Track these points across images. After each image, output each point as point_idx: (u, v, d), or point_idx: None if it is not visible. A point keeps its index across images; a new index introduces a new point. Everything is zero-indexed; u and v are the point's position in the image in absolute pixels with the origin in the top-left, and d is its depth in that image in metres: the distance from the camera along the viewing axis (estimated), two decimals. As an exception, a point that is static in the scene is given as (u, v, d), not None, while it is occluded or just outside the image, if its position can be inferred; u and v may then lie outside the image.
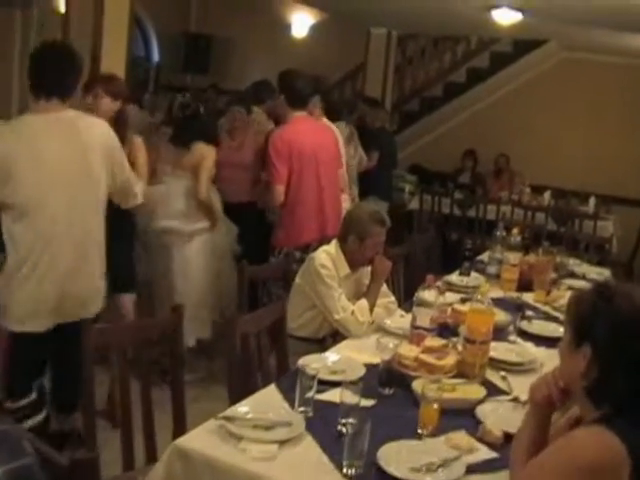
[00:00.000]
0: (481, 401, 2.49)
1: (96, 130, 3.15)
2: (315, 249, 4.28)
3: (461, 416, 2.39)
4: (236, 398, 2.58)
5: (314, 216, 4.42)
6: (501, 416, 2.38)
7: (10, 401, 3.16)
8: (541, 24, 7.20)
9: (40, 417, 3.24)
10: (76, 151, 3.07)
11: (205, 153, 4.59)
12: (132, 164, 3.68)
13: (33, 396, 3.21)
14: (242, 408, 2.33)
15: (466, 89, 9.60)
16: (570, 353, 1.76)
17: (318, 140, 4.48)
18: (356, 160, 6.58)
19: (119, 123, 3.74)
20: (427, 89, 9.98)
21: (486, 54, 9.59)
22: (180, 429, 2.60)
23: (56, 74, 3.05)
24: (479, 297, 2.79)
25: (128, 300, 4.05)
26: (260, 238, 4.79)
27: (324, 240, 4.26)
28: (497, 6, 6.48)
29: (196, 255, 4.62)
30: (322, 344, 3.46)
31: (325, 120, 5.05)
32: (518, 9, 6.51)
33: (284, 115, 4.56)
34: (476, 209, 7.42)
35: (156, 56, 10.73)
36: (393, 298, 3.65)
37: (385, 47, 9.26)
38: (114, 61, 4.47)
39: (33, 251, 3.02)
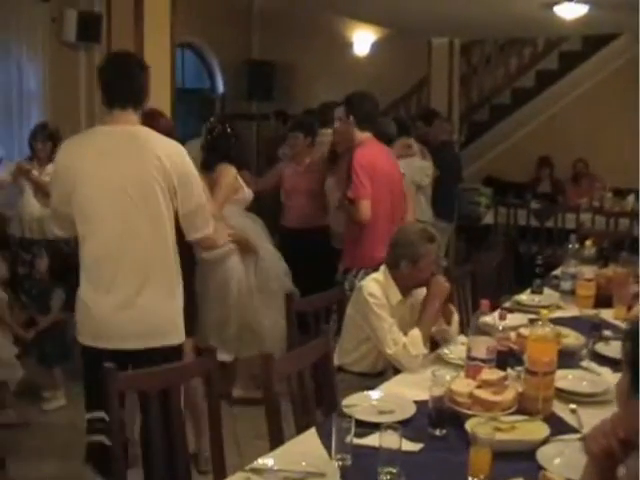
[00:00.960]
0: (543, 441, 2.20)
1: (167, 151, 2.99)
2: None
3: (520, 460, 2.11)
4: (276, 444, 2.39)
5: (388, 237, 4.22)
6: (566, 460, 2.08)
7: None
8: (610, 16, 6.80)
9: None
10: (137, 168, 2.94)
11: (223, 172, 4.44)
12: None
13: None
14: (271, 459, 2.12)
15: (536, 93, 9.25)
16: (629, 398, 1.48)
17: (387, 163, 4.43)
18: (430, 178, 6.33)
19: None
20: (495, 96, 9.65)
21: (554, 55, 9.22)
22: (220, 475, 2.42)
23: (128, 83, 3.00)
24: (540, 322, 2.50)
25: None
26: (326, 264, 4.68)
27: None
28: (559, 1, 6.15)
29: (228, 279, 4.49)
30: (382, 377, 3.22)
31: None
32: (583, 1, 6.16)
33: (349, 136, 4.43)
34: (554, 219, 7.04)
35: (221, 87, 10.74)
36: (457, 317, 3.39)
37: (448, 57, 9.03)
38: (158, 94, 4.35)
39: (91, 268, 2.98)
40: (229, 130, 4.56)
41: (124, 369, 2.88)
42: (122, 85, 3.00)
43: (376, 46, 10.09)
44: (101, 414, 2.97)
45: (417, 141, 6.38)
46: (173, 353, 3.00)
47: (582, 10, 6.35)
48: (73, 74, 7.42)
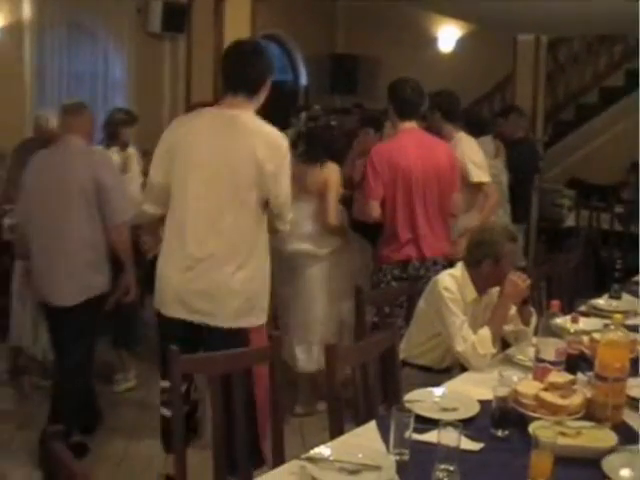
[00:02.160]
0: (610, 450, 2.12)
1: (264, 138, 3.05)
2: (417, 269, 4.08)
3: (584, 467, 2.04)
4: (337, 435, 2.39)
5: (410, 235, 4.10)
6: (635, 471, 2.00)
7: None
8: None
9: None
10: (226, 149, 3.03)
11: (330, 174, 4.40)
12: None
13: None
14: (328, 449, 2.11)
15: (625, 93, 8.93)
16: None
17: (423, 156, 4.11)
18: (506, 176, 6.16)
19: None
20: (582, 95, 9.38)
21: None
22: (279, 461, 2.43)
23: (241, 69, 3.06)
24: (612, 326, 2.41)
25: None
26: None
27: (426, 261, 4.07)
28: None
29: (328, 277, 4.45)
30: (447, 374, 3.18)
31: (461, 136, 4.66)
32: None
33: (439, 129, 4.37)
34: (638, 224, 6.79)
35: (304, 79, 10.79)
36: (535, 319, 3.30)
37: (534, 54, 8.81)
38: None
39: (168, 235, 3.12)
40: (333, 123, 4.52)
41: (197, 341, 2.95)
42: (234, 72, 3.08)
43: (461, 42, 9.99)
44: (166, 383, 3.08)
45: (495, 138, 6.21)
46: (229, 335, 3.06)
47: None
48: (157, 64, 7.59)
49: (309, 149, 4.54)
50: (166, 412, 3.24)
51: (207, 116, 3.15)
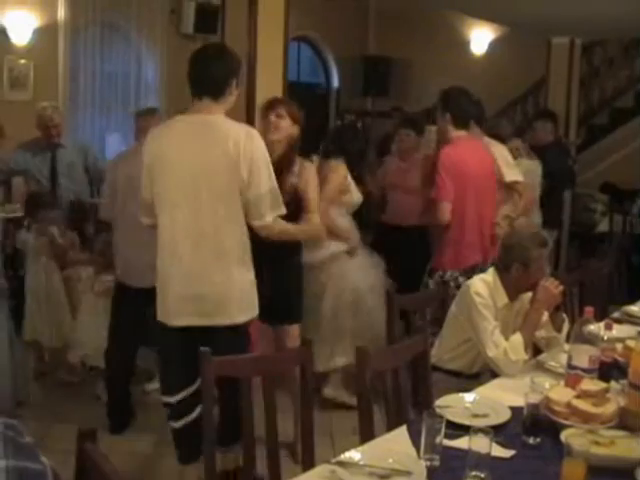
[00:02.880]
0: (644, 460, 2.09)
1: (238, 136, 3.03)
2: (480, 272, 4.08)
3: (617, 477, 2.01)
4: (367, 439, 2.38)
5: (477, 239, 4.26)
6: (668, 480, 1.97)
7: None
8: None
9: (176, 425, 3.24)
10: (204, 153, 3.02)
11: (334, 168, 4.36)
12: (303, 191, 3.64)
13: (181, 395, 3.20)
14: (359, 453, 2.11)
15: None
16: None
17: (479, 163, 4.29)
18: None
19: (291, 147, 3.71)
20: (617, 99, 9.27)
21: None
22: (308, 465, 2.42)
23: (205, 73, 3.06)
24: (647, 333, 2.38)
25: (293, 331, 3.90)
26: (421, 263, 4.53)
27: (487, 266, 4.04)
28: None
29: (329, 281, 4.44)
30: (477, 379, 3.16)
31: (487, 140, 4.72)
32: None
33: (445, 134, 4.37)
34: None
35: (336, 81, 10.78)
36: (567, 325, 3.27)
37: (568, 57, 8.71)
38: (270, 86, 4.41)
39: (161, 248, 3.11)
40: (359, 124, 4.54)
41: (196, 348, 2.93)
42: (196, 77, 3.08)
43: (494, 44, 9.90)
44: (166, 398, 3.17)
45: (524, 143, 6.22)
46: (233, 331, 3.08)
47: None
48: (190, 65, 7.61)
49: (327, 146, 4.55)
50: (174, 424, 3.25)
51: (178, 125, 3.13)
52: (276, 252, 3.45)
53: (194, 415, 3.16)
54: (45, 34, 6.73)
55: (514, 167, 4.75)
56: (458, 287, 3.94)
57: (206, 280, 3.05)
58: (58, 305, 4.72)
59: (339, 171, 4.39)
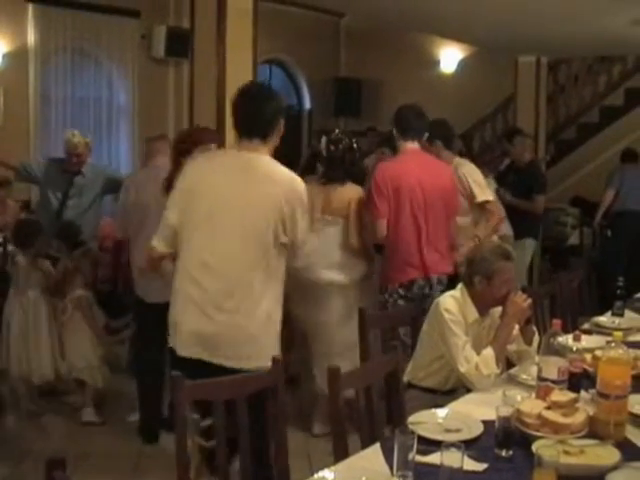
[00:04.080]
0: (613, 467, 2.12)
1: (283, 179, 3.05)
2: (421, 288, 4.13)
3: (587, 486, 2.04)
4: (341, 458, 2.39)
5: (415, 254, 4.19)
6: (636, 487, 2.01)
7: None
8: None
9: None
10: (240, 192, 3.00)
11: (352, 193, 4.38)
12: None
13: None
14: (332, 472, 2.11)
15: (625, 112, 9.04)
16: None
17: (427, 176, 4.22)
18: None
19: None
20: (583, 115, 9.45)
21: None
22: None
23: (253, 115, 3.04)
24: (613, 344, 2.42)
25: None
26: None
27: (430, 280, 4.15)
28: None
29: (356, 304, 4.43)
30: (452, 395, 3.18)
31: (458, 160, 4.81)
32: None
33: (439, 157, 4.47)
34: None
35: (308, 103, 10.85)
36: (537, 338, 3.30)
37: (535, 75, 8.88)
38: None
39: (180, 279, 3.04)
40: (355, 145, 4.56)
41: None
42: (246, 117, 3.06)
43: (463, 64, 10.06)
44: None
45: (503, 157, 6.38)
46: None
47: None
48: (162, 89, 7.67)
49: (329, 170, 4.46)
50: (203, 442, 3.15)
51: (224, 157, 3.19)
52: None
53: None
54: (15, 59, 6.73)
55: (485, 187, 4.79)
56: (401, 298, 4.12)
57: (231, 323, 2.98)
58: (39, 341, 4.65)
59: (360, 192, 4.39)
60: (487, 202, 4.69)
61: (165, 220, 3.10)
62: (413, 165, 4.22)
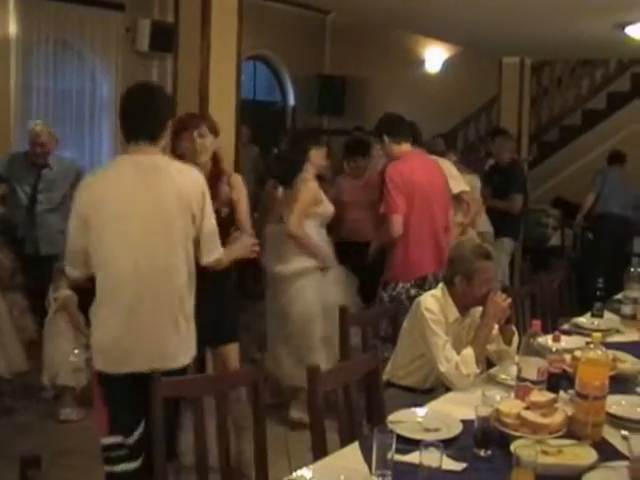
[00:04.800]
0: (590, 467, 2.13)
1: (181, 178, 2.98)
2: (430, 284, 4.16)
3: (564, 485, 2.05)
4: (320, 456, 2.38)
5: (430, 250, 4.35)
6: (613, 487, 2.02)
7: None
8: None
9: (133, 465, 3.02)
10: (151, 196, 2.92)
11: (305, 181, 4.48)
12: (236, 202, 3.67)
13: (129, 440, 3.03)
14: (310, 471, 2.11)
15: (607, 115, 9.09)
16: None
17: (428, 176, 4.42)
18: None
19: (218, 159, 3.73)
20: (565, 117, 9.51)
21: (627, 76, 9.05)
22: None
23: (140, 116, 2.96)
24: (592, 345, 2.43)
25: (233, 350, 3.89)
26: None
27: (438, 276, 4.14)
28: (632, 22, 6.01)
29: (299, 301, 4.50)
30: (431, 394, 3.18)
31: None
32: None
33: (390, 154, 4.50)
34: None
35: (292, 100, 10.83)
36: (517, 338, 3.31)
37: (519, 76, 8.91)
38: (223, 103, 4.41)
39: (102, 298, 2.95)
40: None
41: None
42: (134, 120, 2.97)
43: (447, 64, 10.07)
44: (119, 439, 2.96)
45: (488, 157, 6.42)
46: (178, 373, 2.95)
47: (655, 31, 6.19)
48: (145, 83, 7.59)
49: (286, 172, 4.61)
50: (130, 466, 3.00)
51: (128, 166, 2.98)
52: (212, 277, 3.30)
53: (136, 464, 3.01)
54: (-4, 50, 6.65)
55: (459, 178, 4.97)
56: (410, 299, 4.04)
57: (153, 325, 2.92)
58: (5, 332, 4.61)
59: (310, 183, 4.48)
60: (463, 192, 4.88)
61: (70, 248, 3.00)
62: (417, 165, 4.39)
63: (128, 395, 2.99)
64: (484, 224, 6.02)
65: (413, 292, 4.18)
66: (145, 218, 2.91)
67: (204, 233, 3.02)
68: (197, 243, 3.02)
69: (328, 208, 4.60)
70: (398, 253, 4.32)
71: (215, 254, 3.09)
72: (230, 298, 3.82)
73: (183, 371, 2.99)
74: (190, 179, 3.00)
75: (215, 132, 3.72)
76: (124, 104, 3.01)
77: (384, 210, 4.31)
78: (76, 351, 4.56)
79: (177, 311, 2.95)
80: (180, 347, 2.99)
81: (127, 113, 3.00)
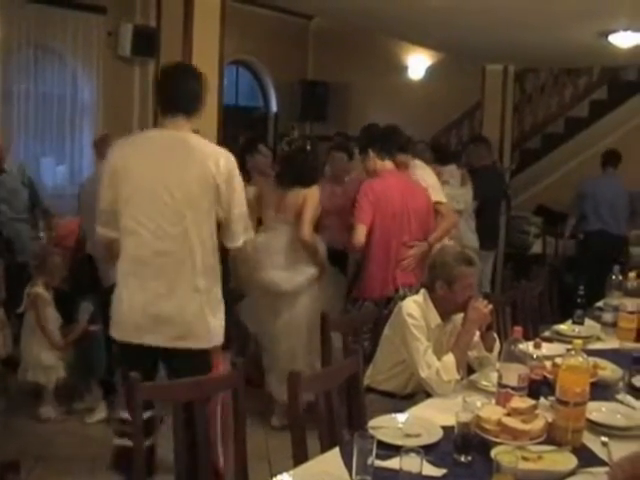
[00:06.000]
0: (570, 473, 2.13)
1: (217, 157, 3.05)
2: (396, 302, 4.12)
3: (545, 491, 2.05)
4: (301, 462, 2.37)
5: (388, 271, 4.25)
6: (593, 493, 2.02)
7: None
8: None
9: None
10: (180, 170, 3.00)
11: (308, 194, 4.46)
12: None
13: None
14: (291, 477, 2.09)
15: (589, 123, 9.13)
16: None
17: (406, 197, 4.31)
18: (472, 204, 6.29)
19: None
20: (548, 125, 9.56)
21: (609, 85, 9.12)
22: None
23: (181, 91, 3.07)
24: (573, 352, 2.43)
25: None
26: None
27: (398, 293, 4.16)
28: (615, 30, 6.06)
29: (304, 311, 4.47)
30: (412, 400, 3.18)
31: (414, 163, 4.82)
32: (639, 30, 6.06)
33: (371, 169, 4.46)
34: (603, 251, 6.85)
35: (274, 106, 10.82)
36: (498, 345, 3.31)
37: (502, 83, 8.96)
38: (205, 109, 4.37)
39: (127, 264, 3.05)
40: (308, 147, 4.61)
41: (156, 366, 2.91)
42: (172, 93, 3.08)
43: (431, 70, 10.11)
44: (126, 414, 3.00)
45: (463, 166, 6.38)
46: (199, 356, 3.04)
47: (638, 39, 6.23)
48: (127, 88, 7.58)
49: (282, 172, 4.60)
50: (119, 442, 3.16)
51: (155, 139, 3.14)
52: None
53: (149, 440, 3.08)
54: (-24, 55, 6.60)
55: (438, 189, 4.82)
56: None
57: (172, 301, 3.00)
58: None
59: (316, 194, 4.49)
60: (439, 203, 4.71)
61: (100, 205, 3.12)
62: (395, 185, 4.30)
63: (143, 371, 3.02)
64: (470, 240, 6.00)
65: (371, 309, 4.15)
66: (168, 193, 2.97)
67: (232, 216, 3.08)
68: (224, 226, 3.08)
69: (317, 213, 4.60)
70: (364, 270, 4.29)
71: (240, 240, 3.15)
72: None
73: (202, 354, 3.05)
74: (218, 159, 3.05)
75: None
76: (162, 78, 3.18)
77: (353, 218, 4.28)
78: (46, 350, 4.57)
79: (197, 295, 3.01)
80: (199, 328, 3.04)
81: (164, 86, 3.14)
